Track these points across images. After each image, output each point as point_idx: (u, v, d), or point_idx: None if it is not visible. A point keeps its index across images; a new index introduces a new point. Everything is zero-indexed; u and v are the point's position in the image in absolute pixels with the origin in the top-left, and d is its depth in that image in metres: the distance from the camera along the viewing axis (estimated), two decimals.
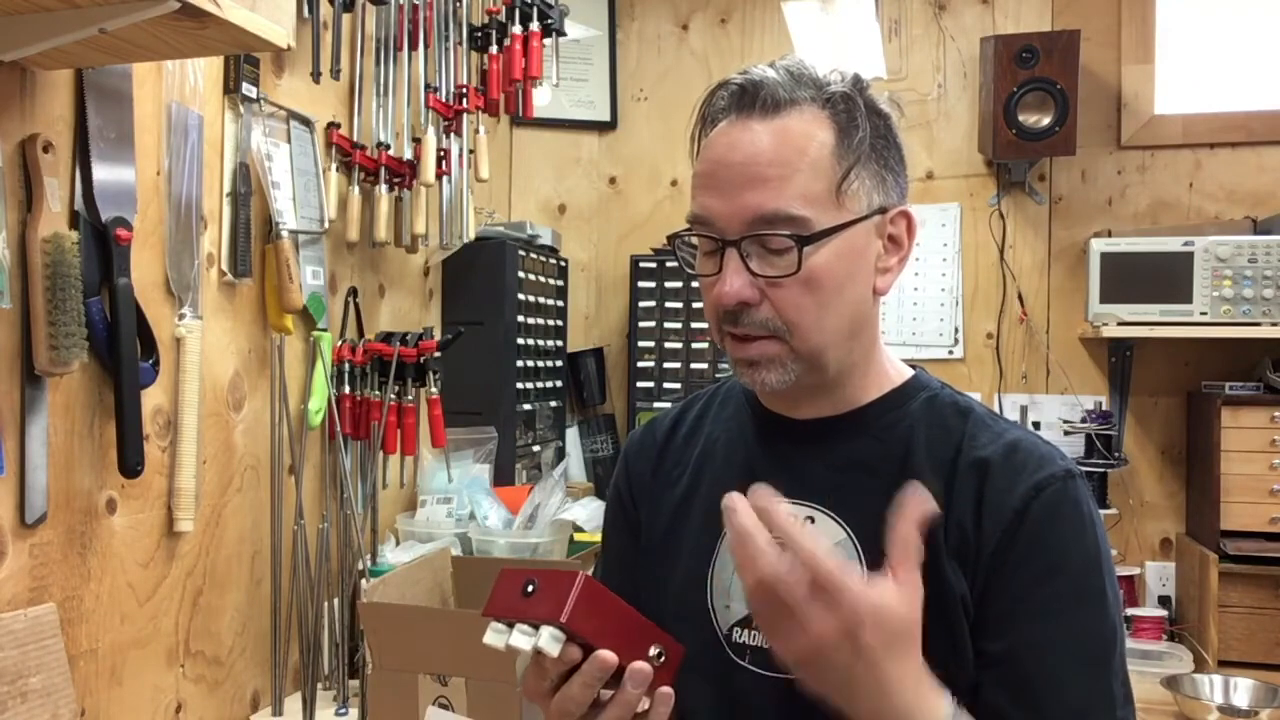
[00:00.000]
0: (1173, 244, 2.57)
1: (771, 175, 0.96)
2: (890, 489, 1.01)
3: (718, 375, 2.93)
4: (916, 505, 0.83)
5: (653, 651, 0.85)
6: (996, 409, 2.88)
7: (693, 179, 1.03)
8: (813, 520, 1.03)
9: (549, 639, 0.81)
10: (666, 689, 0.86)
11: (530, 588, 0.83)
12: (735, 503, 0.82)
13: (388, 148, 2.26)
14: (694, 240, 1.03)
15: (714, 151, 1.00)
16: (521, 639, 0.82)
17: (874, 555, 1.00)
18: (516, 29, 2.40)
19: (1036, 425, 2.87)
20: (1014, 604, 0.96)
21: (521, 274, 2.69)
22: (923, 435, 1.03)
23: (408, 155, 2.29)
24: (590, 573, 1.26)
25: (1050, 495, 0.97)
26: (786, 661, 0.84)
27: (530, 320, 2.75)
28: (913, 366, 1.11)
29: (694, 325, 2.97)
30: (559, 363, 2.95)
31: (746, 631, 1.04)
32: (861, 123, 0.98)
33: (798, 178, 0.96)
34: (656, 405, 2.96)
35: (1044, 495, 0.97)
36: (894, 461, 1.03)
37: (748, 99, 0.99)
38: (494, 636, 0.84)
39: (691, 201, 1.02)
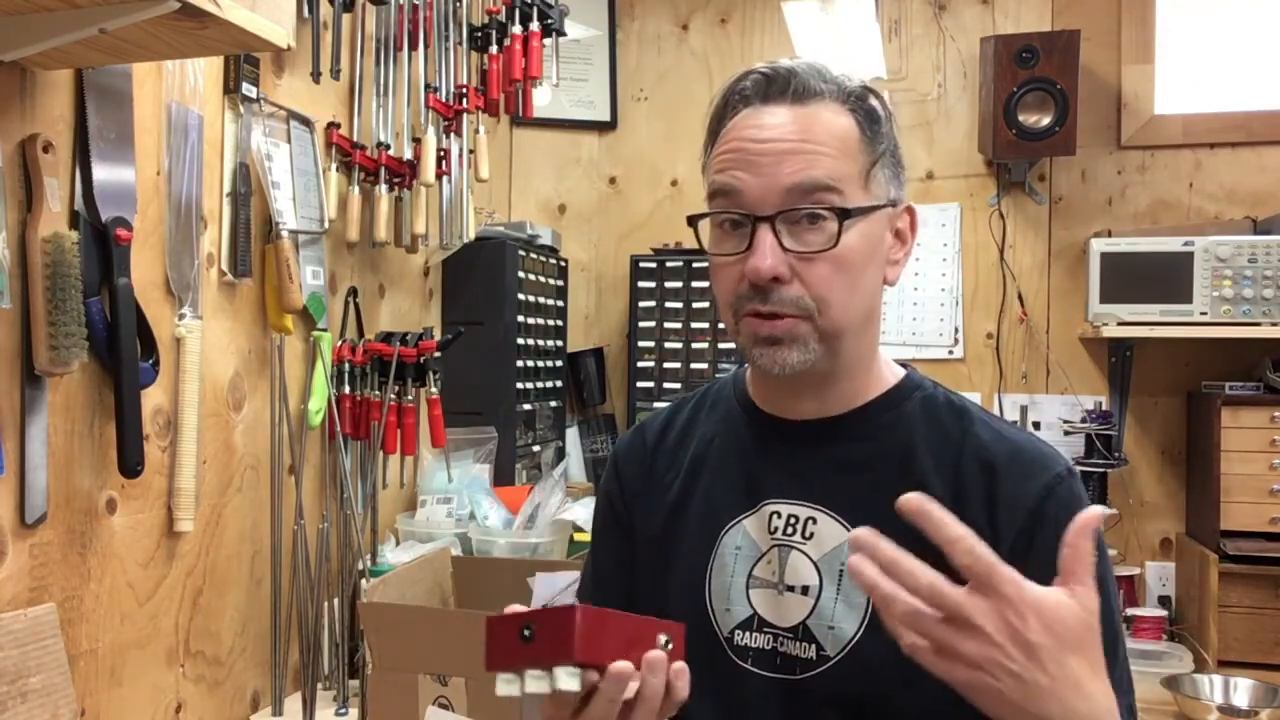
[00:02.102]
0: (1173, 244, 2.57)
1: (808, 150, 0.97)
2: (891, 489, 1.01)
3: (718, 375, 2.92)
4: (1089, 521, 0.79)
5: (661, 639, 0.85)
6: (996, 409, 2.88)
7: (714, 160, 1.03)
8: (814, 521, 1.03)
9: (566, 678, 0.80)
10: (680, 664, 0.86)
11: (527, 632, 0.82)
12: (858, 543, 0.79)
13: (388, 148, 2.26)
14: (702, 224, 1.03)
15: (743, 130, 1.00)
16: (536, 684, 0.81)
17: None
18: (516, 29, 2.40)
19: (1036, 425, 2.87)
20: None
21: (521, 274, 2.69)
22: (922, 435, 1.04)
23: (408, 155, 2.29)
24: (579, 576, 1.26)
25: (1061, 494, 1.00)
26: (960, 687, 0.78)
27: (530, 320, 2.75)
28: (903, 365, 1.12)
29: (694, 325, 2.97)
30: (559, 363, 2.95)
31: (748, 634, 1.04)
32: (883, 119, 1.02)
33: (830, 156, 0.98)
34: (656, 405, 2.95)
35: (1056, 495, 0.99)
36: (894, 461, 1.03)
37: (777, 87, 1.00)
38: (506, 687, 0.83)
39: (715, 177, 1.02)
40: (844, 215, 0.97)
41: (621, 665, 0.81)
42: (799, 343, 0.98)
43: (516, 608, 0.87)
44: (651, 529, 1.14)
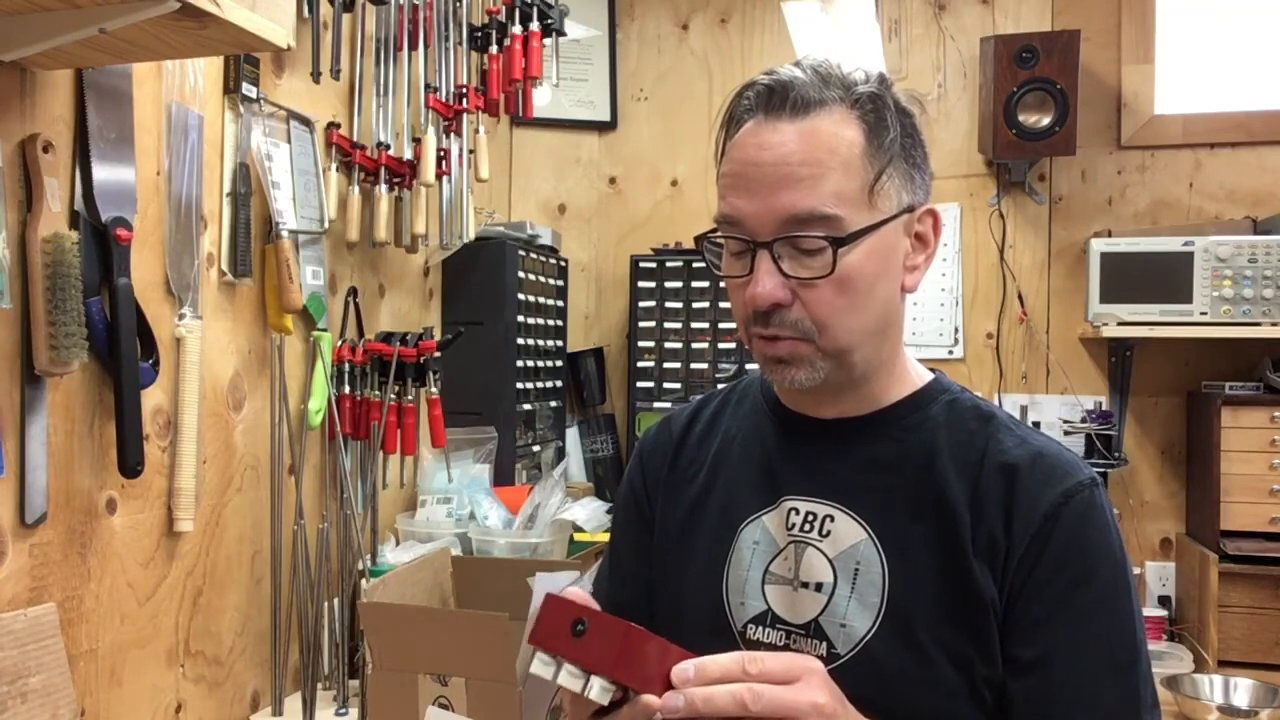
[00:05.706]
0: (1173, 244, 2.57)
1: (804, 175, 0.95)
2: (910, 490, 1.02)
3: (717, 375, 2.93)
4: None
5: None
6: None
7: (719, 179, 1.02)
8: (832, 519, 1.03)
9: (599, 690, 0.83)
10: None
11: (580, 627, 0.84)
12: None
13: (388, 148, 2.26)
14: (719, 241, 1.02)
15: (743, 152, 0.99)
16: (570, 680, 0.84)
17: (893, 555, 1.00)
18: (516, 29, 2.40)
19: (1036, 425, 2.87)
20: (1046, 612, 0.96)
21: (521, 274, 2.69)
22: (945, 438, 1.03)
23: (408, 155, 2.29)
24: (595, 569, 1.26)
25: (1079, 503, 0.98)
26: None
27: (530, 320, 2.75)
28: (931, 370, 1.11)
29: (694, 325, 2.97)
30: (559, 363, 2.95)
31: (761, 628, 1.04)
32: (891, 123, 0.98)
33: (830, 177, 0.95)
34: (656, 405, 2.96)
35: (1073, 503, 0.98)
36: (915, 463, 1.03)
37: (776, 99, 0.98)
38: (542, 667, 0.85)
39: (719, 201, 1.01)
40: (837, 244, 0.95)
41: (649, 700, 0.82)
42: (804, 363, 0.99)
43: (579, 593, 0.88)
44: (672, 521, 1.14)
